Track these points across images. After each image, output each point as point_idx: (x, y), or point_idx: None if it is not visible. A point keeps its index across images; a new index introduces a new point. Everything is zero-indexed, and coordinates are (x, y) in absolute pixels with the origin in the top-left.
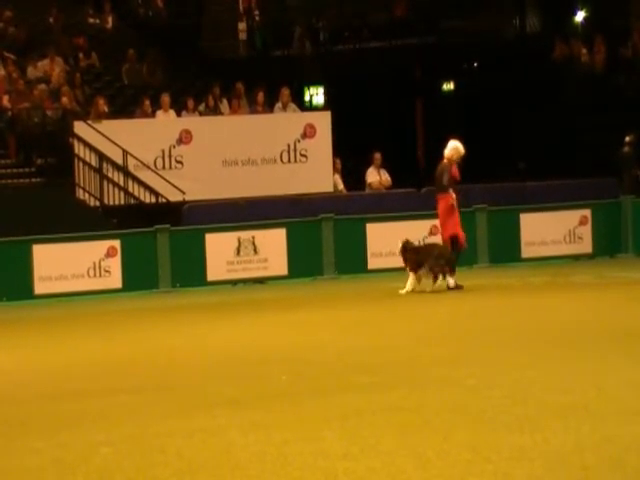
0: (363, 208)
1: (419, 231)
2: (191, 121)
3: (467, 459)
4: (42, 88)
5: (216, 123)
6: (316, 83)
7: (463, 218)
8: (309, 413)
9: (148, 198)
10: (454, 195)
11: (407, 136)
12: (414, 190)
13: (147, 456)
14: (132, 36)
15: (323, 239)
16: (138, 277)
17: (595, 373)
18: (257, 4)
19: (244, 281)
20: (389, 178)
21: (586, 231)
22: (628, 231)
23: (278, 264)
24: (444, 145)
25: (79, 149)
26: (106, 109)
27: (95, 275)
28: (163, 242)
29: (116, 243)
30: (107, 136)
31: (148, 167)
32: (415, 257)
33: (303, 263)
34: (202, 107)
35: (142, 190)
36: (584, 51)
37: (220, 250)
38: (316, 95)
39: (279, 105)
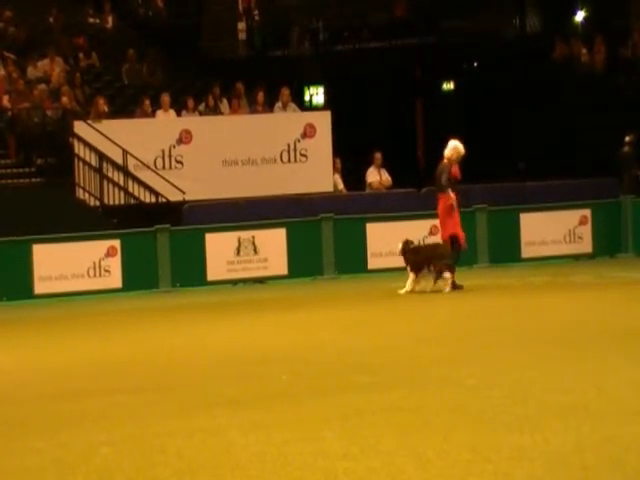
0: (363, 208)
1: (419, 231)
2: (191, 121)
3: (467, 459)
4: (42, 88)
5: (216, 123)
6: (316, 83)
7: (463, 218)
8: (309, 413)
9: (148, 198)
10: (453, 195)
11: (407, 136)
12: (414, 190)
13: (147, 456)
14: (132, 36)
15: (323, 239)
16: (138, 277)
17: (595, 373)
18: (257, 4)
19: (244, 281)
20: (389, 178)
21: (586, 231)
22: (628, 231)
23: (278, 264)
24: (444, 145)
25: (79, 149)
26: (106, 109)
27: (95, 275)
28: (163, 242)
29: (116, 243)
30: (107, 136)
31: (148, 167)
32: (415, 257)
33: (303, 263)
34: (202, 107)
35: (142, 190)
36: (584, 51)
37: (220, 250)
38: (316, 95)
39: (279, 105)
